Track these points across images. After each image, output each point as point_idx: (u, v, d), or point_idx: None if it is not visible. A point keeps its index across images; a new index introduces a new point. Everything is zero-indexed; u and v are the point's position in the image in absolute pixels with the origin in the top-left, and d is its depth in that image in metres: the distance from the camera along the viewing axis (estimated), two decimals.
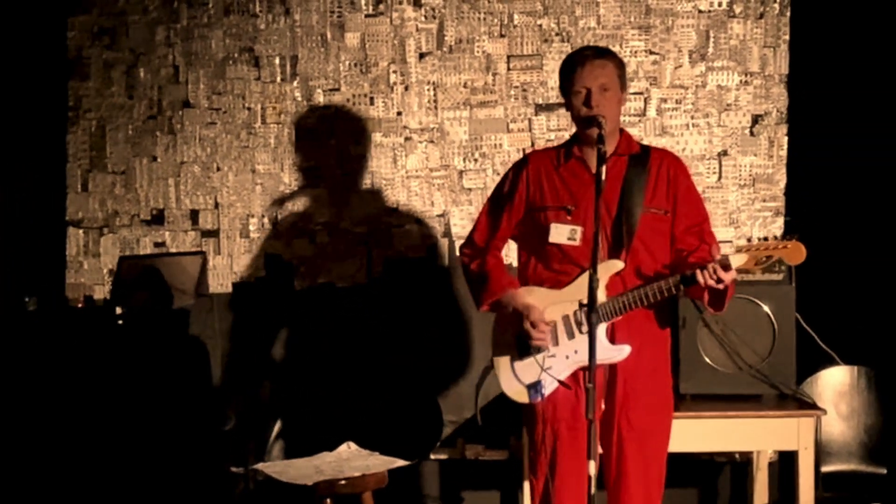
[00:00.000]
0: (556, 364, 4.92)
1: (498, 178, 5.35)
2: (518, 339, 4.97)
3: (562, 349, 4.92)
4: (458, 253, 5.31)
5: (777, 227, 6.86)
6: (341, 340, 6.92)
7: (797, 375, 6.15)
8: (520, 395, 5.00)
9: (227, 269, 7.06)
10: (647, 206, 4.93)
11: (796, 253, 4.78)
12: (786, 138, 6.90)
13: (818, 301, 6.37)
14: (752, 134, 6.92)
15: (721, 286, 4.74)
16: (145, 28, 7.04)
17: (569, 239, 4.92)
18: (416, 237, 7.03)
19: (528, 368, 4.95)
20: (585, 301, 4.59)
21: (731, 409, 5.92)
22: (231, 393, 6.85)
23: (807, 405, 5.99)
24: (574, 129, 5.05)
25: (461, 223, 6.97)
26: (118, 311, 6.41)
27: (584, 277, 4.67)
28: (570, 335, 4.93)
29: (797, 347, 6.12)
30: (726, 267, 4.73)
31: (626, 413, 4.97)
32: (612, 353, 4.88)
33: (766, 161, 6.91)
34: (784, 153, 6.90)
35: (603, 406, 4.95)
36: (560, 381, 4.89)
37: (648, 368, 5.01)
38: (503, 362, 5.05)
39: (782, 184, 6.91)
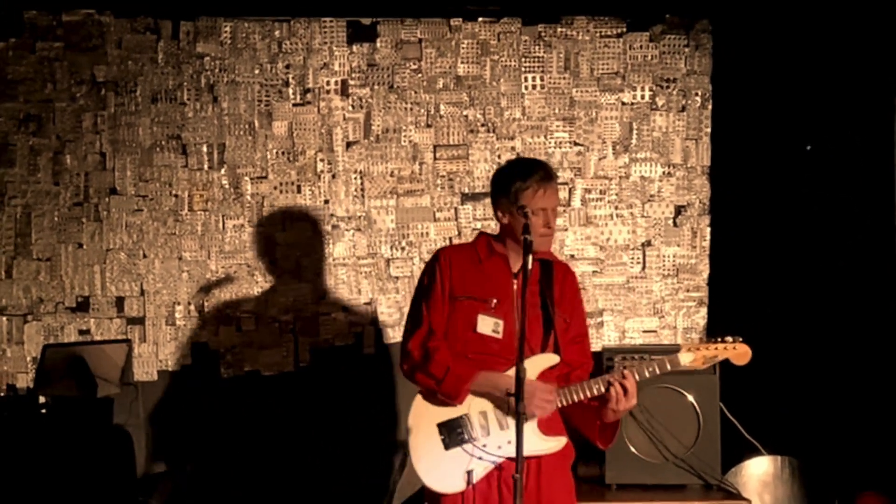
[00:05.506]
0: (486, 454, 4.96)
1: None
2: (444, 428, 5.00)
3: (493, 439, 4.96)
4: (405, 351, 5.16)
5: (700, 316, 6.95)
6: (267, 429, 6.87)
7: (722, 465, 6.19)
8: (446, 485, 4.99)
9: (153, 357, 7.01)
10: (558, 311, 5.06)
11: (743, 354, 4.91)
12: (708, 229, 7.01)
13: (742, 391, 6.43)
14: (675, 224, 7.02)
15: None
16: (72, 115, 7.00)
17: (493, 331, 5.01)
18: (344, 325, 7.03)
19: (455, 458, 4.97)
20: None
21: (656, 500, 5.97)
22: (155, 483, 6.77)
23: (732, 495, 6.04)
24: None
25: (388, 311, 6.99)
26: (41, 399, 6.34)
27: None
28: (503, 426, 4.96)
29: (721, 437, 6.17)
30: (675, 364, 4.91)
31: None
32: (547, 444, 4.97)
33: (690, 251, 7.01)
34: (707, 244, 7.01)
35: None
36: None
37: (563, 457, 5.09)
38: (426, 454, 5.03)
39: (705, 274, 7.01)
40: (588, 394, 4.91)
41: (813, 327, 6.73)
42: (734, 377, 6.27)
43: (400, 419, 6.72)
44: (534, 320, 4.99)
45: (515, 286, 5.04)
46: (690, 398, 6.16)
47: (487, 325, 5.02)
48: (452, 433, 4.99)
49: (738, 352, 4.92)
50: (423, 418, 5.06)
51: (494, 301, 5.03)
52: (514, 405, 4.79)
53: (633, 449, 6.18)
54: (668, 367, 4.95)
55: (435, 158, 7.04)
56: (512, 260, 5.10)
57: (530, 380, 4.88)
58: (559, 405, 4.94)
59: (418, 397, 5.12)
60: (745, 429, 6.47)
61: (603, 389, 4.88)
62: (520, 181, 5.00)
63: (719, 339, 4.95)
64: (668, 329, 6.98)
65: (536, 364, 4.91)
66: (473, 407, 4.99)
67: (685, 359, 4.91)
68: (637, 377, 4.88)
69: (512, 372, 4.89)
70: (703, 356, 4.92)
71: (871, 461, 6.50)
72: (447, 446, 4.99)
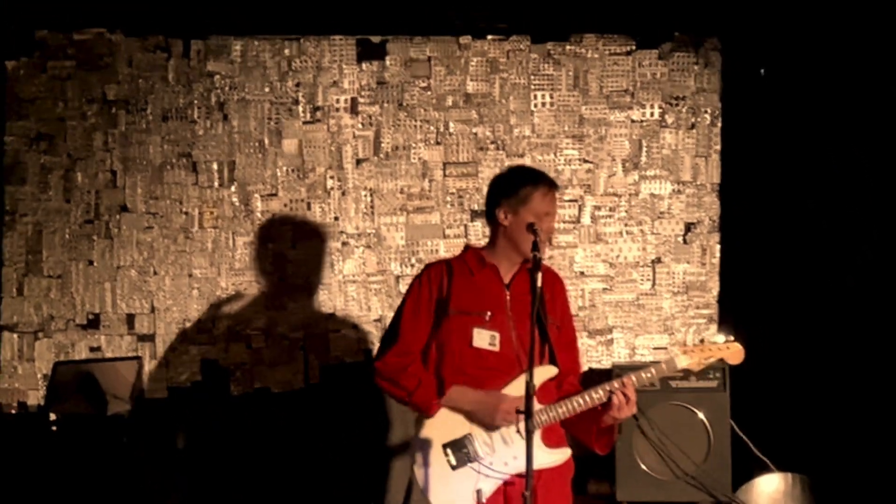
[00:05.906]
0: (493, 472, 4.91)
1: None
2: (450, 448, 4.95)
3: (499, 456, 4.92)
4: (377, 367, 5.10)
5: (710, 333, 6.91)
6: (277, 446, 6.86)
7: (732, 482, 6.18)
8: None
9: (163, 374, 7.02)
10: (550, 318, 5.01)
11: (737, 353, 4.92)
12: (718, 246, 7.01)
13: (752, 408, 6.43)
14: (685, 242, 7.03)
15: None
16: (83, 133, 7.02)
17: (489, 344, 4.95)
18: (353, 342, 7.03)
19: (463, 478, 4.92)
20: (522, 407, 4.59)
21: None
22: (165, 500, 6.77)
23: None
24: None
25: None
26: (52, 416, 6.34)
27: (518, 382, 4.75)
28: (507, 442, 4.91)
29: (732, 454, 6.17)
30: (672, 367, 4.93)
31: None
32: (552, 457, 4.92)
33: (699, 268, 7.02)
34: (717, 261, 7.02)
35: None
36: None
37: (562, 470, 5.04)
38: (434, 475, 4.97)
39: (715, 291, 7.01)
40: (590, 403, 4.89)
41: (823, 344, 6.72)
42: (744, 394, 6.29)
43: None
44: (522, 331, 4.94)
45: (508, 297, 4.99)
46: (701, 415, 6.17)
47: (484, 338, 4.96)
48: (458, 453, 4.93)
49: (732, 351, 4.93)
50: (426, 440, 5.00)
51: (489, 314, 4.97)
52: (489, 421, 4.87)
53: (643, 466, 6.18)
54: (666, 370, 4.94)
55: (444, 176, 7.06)
56: (503, 269, 5.05)
57: (497, 393, 4.88)
58: (561, 417, 4.92)
59: (419, 418, 5.07)
60: (755, 446, 6.47)
61: (605, 398, 4.87)
62: (531, 184, 4.98)
63: (713, 341, 4.96)
64: (677, 346, 6.95)
65: (537, 377, 4.78)
66: (476, 425, 4.98)
67: (681, 362, 4.91)
68: (636, 383, 4.87)
69: (506, 390, 4.91)
70: (698, 358, 4.92)
71: (882, 478, 6.49)
72: (454, 467, 4.93)
